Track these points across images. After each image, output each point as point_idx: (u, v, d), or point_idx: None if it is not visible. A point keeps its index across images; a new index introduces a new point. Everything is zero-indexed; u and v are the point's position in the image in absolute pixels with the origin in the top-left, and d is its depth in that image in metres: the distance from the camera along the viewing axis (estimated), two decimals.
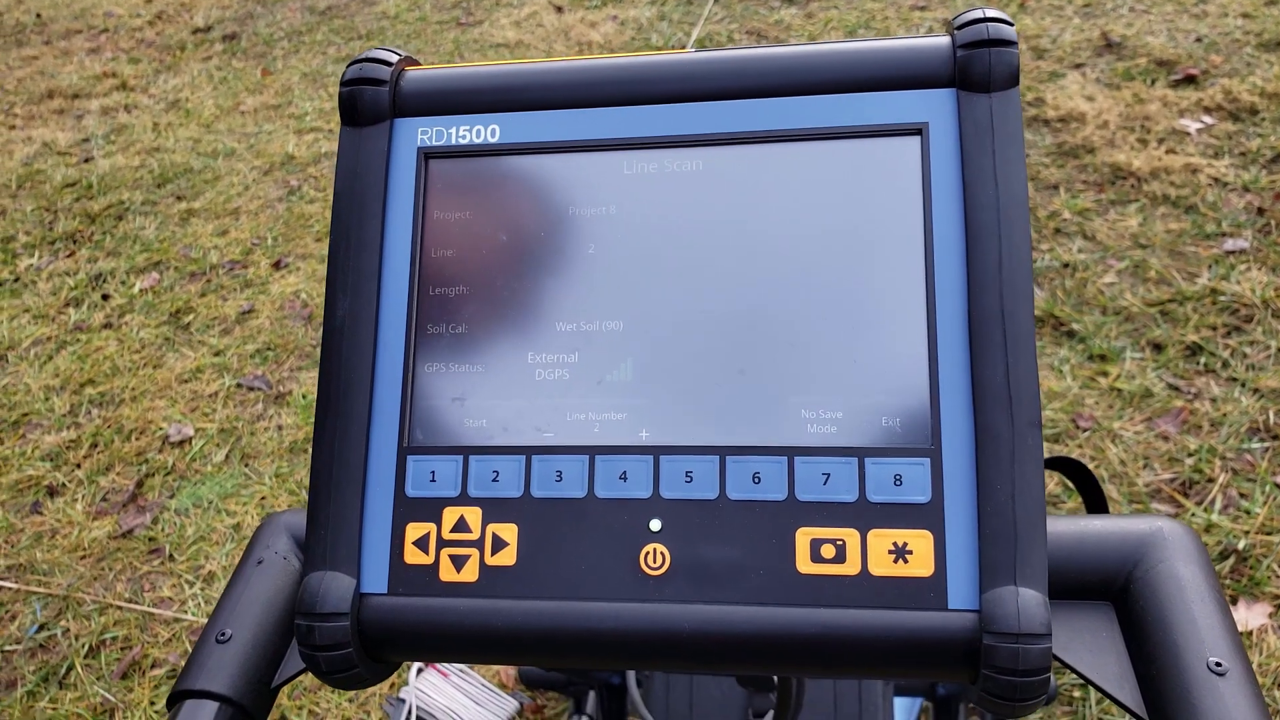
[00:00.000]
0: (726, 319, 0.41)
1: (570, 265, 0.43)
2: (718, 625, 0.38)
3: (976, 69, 0.40)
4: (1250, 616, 1.51)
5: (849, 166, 0.42)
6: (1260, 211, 2.21)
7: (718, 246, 0.42)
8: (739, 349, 0.41)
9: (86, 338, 2.50)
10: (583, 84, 0.44)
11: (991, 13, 0.41)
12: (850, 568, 0.38)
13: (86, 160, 3.35)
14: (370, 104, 0.45)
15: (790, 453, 0.39)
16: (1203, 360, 1.92)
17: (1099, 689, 0.40)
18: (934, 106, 0.41)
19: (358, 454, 0.42)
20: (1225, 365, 1.89)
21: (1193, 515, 1.64)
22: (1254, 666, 1.43)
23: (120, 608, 1.78)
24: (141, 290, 2.65)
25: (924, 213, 0.40)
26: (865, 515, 0.38)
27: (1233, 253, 2.13)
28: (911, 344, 0.40)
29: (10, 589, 1.86)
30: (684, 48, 3.35)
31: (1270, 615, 1.50)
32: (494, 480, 0.41)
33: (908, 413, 0.39)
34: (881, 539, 0.38)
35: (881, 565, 0.38)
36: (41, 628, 1.77)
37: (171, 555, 1.88)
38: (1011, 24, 0.41)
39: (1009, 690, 0.36)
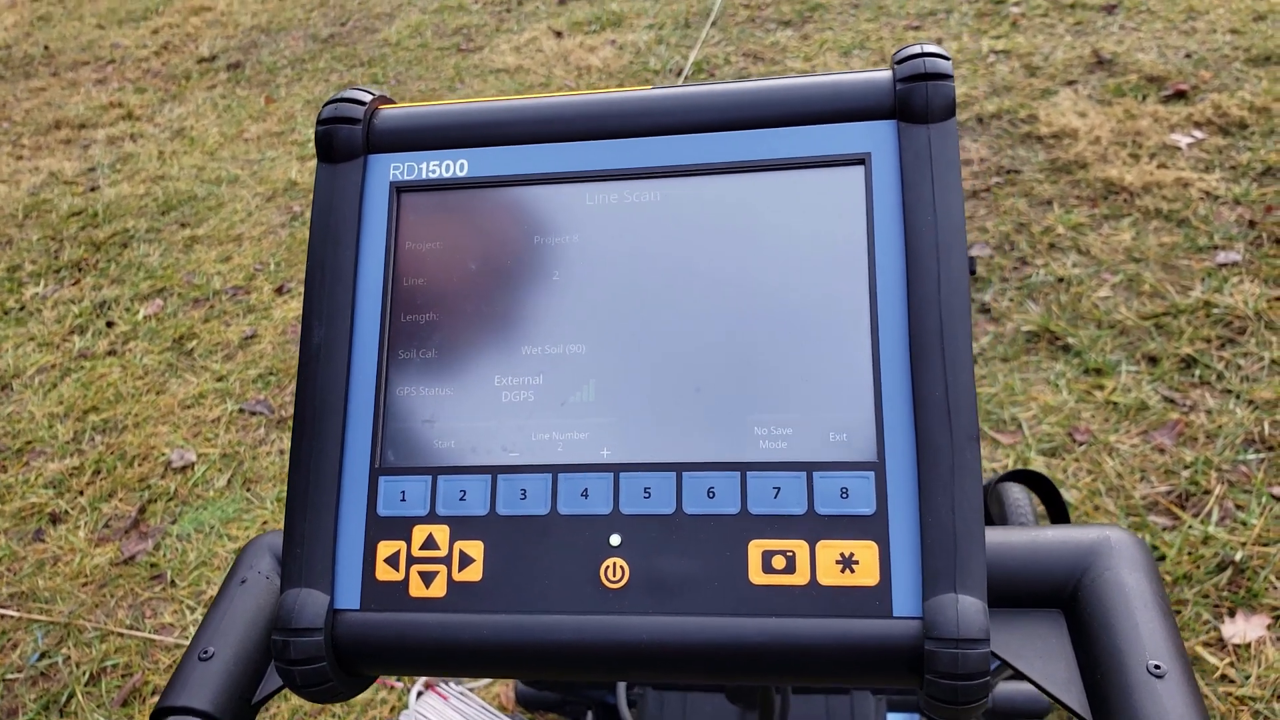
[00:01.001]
0: (684, 341, 0.43)
1: (535, 292, 0.45)
2: (674, 636, 0.40)
3: (915, 101, 0.42)
4: (1248, 628, 1.51)
5: (797, 195, 0.43)
6: (1251, 224, 2.23)
7: (675, 272, 0.44)
8: (695, 369, 0.43)
9: (90, 365, 2.53)
10: (547, 120, 0.46)
11: (930, 48, 0.43)
12: (800, 578, 0.40)
13: (92, 189, 3.40)
14: (345, 141, 0.47)
15: (743, 468, 0.41)
16: (1198, 372, 1.93)
17: (1046, 693, 0.41)
18: (876, 137, 0.43)
19: (331, 475, 0.44)
20: (1220, 377, 1.90)
21: (1189, 527, 1.65)
22: (1252, 679, 1.43)
23: (121, 634, 1.80)
24: (145, 317, 2.68)
25: (867, 238, 0.42)
26: (814, 527, 0.40)
27: (1225, 265, 2.14)
28: (857, 363, 0.41)
29: (12, 617, 1.87)
30: (680, 72, 3.39)
31: (1269, 627, 1.50)
32: (461, 499, 0.43)
33: (854, 428, 0.41)
34: (829, 550, 0.40)
35: (829, 575, 0.40)
36: (43, 655, 1.79)
37: (173, 581, 1.90)
38: (948, 58, 0.43)
39: (951, 694, 0.37)
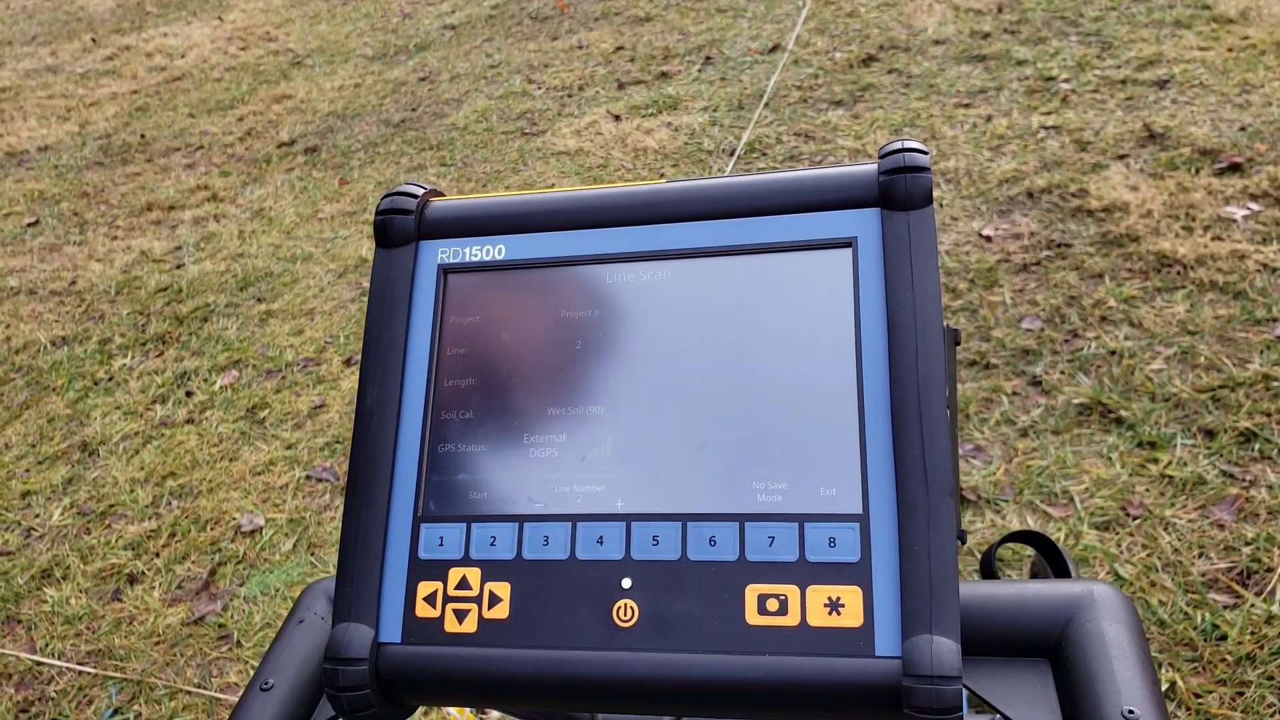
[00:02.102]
0: (691, 404, 0.48)
1: (561, 360, 0.51)
2: (678, 671, 0.44)
3: (896, 191, 0.48)
4: None
5: (793, 275, 0.49)
6: None
7: (685, 343, 0.49)
8: (701, 430, 0.48)
9: (170, 432, 2.66)
10: (573, 210, 0.53)
11: (910, 144, 0.48)
12: (791, 619, 0.44)
13: (178, 267, 3.59)
14: (399, 230, 0.54)
15: (741, 519, 0.46)
16: (1257, 446, 1.91)
17: None
18: (862, 223, 0.48)
19: (379, 521, 0.49)
20: None
21: (1252, 606, 1.62)
22: None
23: (189, 693, 1.87)
24: (222, 387, 2.82)
25: (854, 312, 0.47)
26: (805, 573, 0.44)
27: None
28: (844, 425, 0.46)
29: (89, 674, 1.96)
30: (733, 152, 3.49)
31: None
32: (492, 544, 0.48)
33: (841, 484, 0.45)
34: (818, 594, 0.44)
35: (818, 617, 0.44)
36: (116, 712, 1.86)
37: (239, 641, 1.97)
38: (926, 153, 0.48)
39: None
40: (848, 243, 0.48)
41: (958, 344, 0.50)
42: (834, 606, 0.44)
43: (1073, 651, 0.47)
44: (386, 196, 0.55)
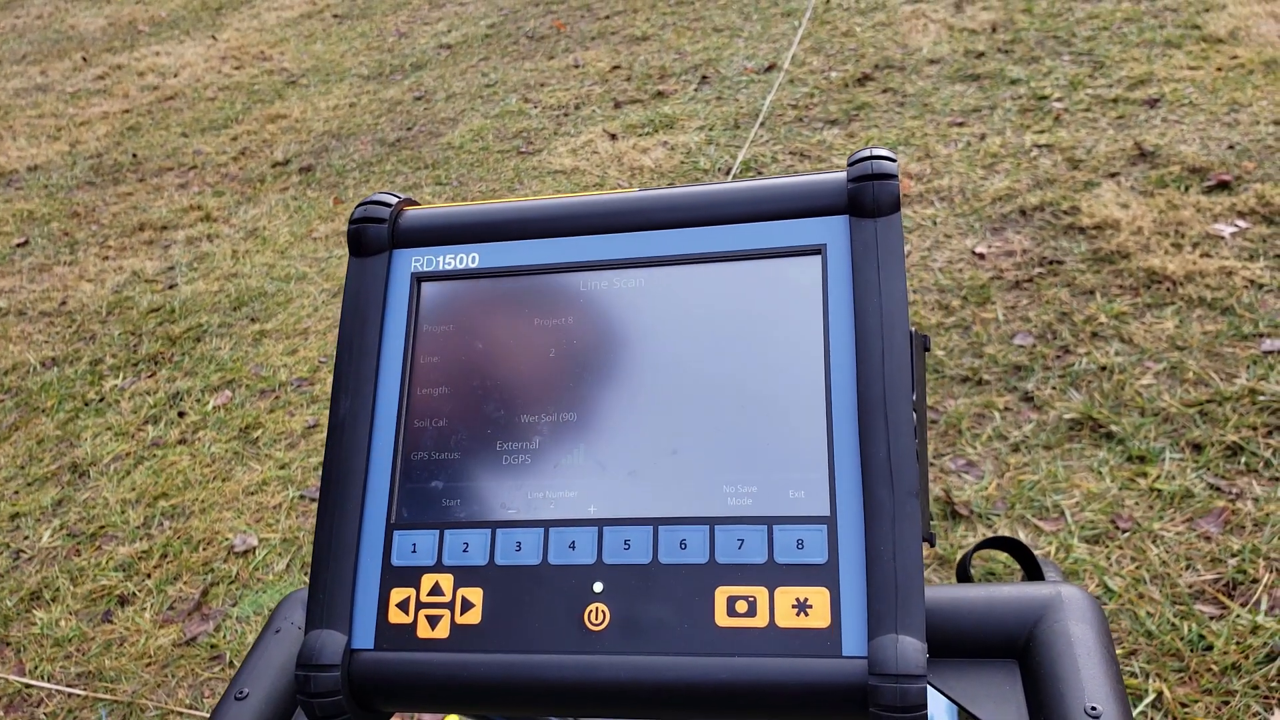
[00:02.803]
0: (662, 409, 0.49)
1: (534, 367, 0.51)
2: (648, 674, 0.45)
3: (864, 199, 0.48)
4: None
5: (763, 281, 0.49)
6: None
7: (656, 349, 0.50)
8: (673, 435, 0.48)
9: (162, 453, 2.66)
10: (547, 218, 0.53)
11: (878, 151, 0.49)
12: (760, 620, 0.44)
13: (171, 287, 3.60)
14: (373, 238, 0.54)
15: (712, 522, 0.46)
16: (1244, 460, 1.91)
17: None
18: (831, 230, 0.49)
19: (352, 529, 0.50)
20: (1267, 465, 1.88)
21: (1237, 617, 1.62)
22: None
23: (181, 714, 1.86)
24: (215, 407, 2.81)
25: (823, 318, 0.48)
26: (773, 575, 0.45)
27: (1271, 353, 2.13)
28: (813, 429, 0.46)
29: (80, 695, 1.95)
30: (729, 170, 3.51)
31: None
32: (464, 551, 0.48)
33: (809, 487, 0.46)
34: (786, 595, 0.44)
35: (786, 618, 0.44)
36: None
37: (231, 662, 1.96)
38: (894, 160, 0.49)
39: None
40: (817, 250, 0.49)
41: (927, 349, 0.51)
42: (802, 607, 0.44)
43: (1040, 652, 0.47)
44: (360, 205, 0.56)
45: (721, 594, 0.45)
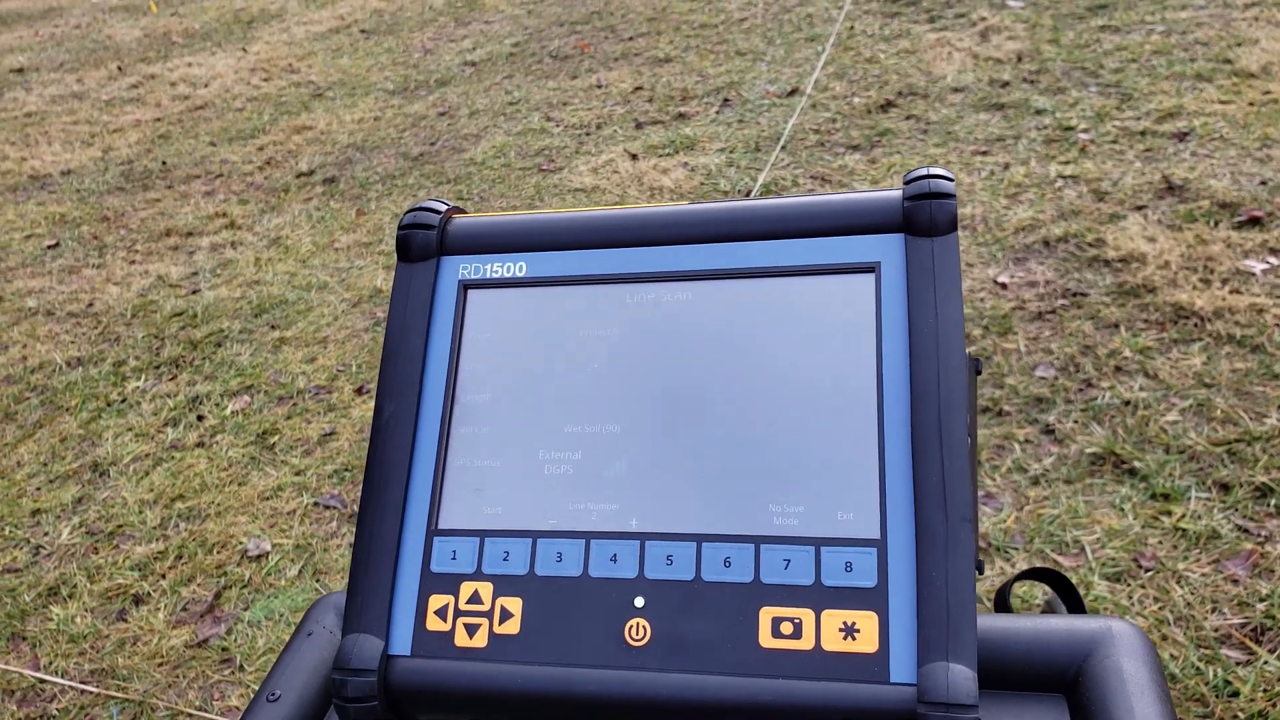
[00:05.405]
0: (709, 424, 0.48)
1: (579, 377, 0.51)
2: (689, 692, 0.44)
3: (920, 217, 0.48)
4: None
5: (815, 298, 0.49)
6: None
7: (704, 364, 0.49)
8: (718, 451, 0.48)
9: (180, 455, 2.66)
10: (596, 230, 0.53)
11: (935, 170, 0.49)
12: (805, 643, 0.43)
13: (194, 292, 3.62)
14: (421, 244, 0.54)
15: (757, 541, 0.45)
16: (1273, 502, 1.88)
17: None
18: (886, 248, 0.48)
19: (393, 534, 0.49)
20: None
21: (1265, 663, 1.60)
22: None
23: (190, 715, 1.85)
24: (233, 412, 2.82)
25: (876, 337, 0.47)
26: (820, 597, 0.44)
27: None
28: (864, 450, 0.46)
29: (91, 693, 1.94)
30: (749, 193, 3.51)
31: None
32: (504, 559, 0.48)
33: (859, 509, 0.45)
34: (833, 618, 0.44)
35: (833, 641, 0.43)
36: None
37: (242, 666, 1.95)
38: (951, 179, 0.48)
39: None
40: (871, 267, 0.48)
41: (979, 373, 0.50)
42: (849, 631, 0.43)
43: (1090, 688, 0.46)
44: (409, 212, 0.55)
45: (766, 614, 0.44)
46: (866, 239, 0.49)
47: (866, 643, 0.43)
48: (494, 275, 0.54)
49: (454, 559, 0.48)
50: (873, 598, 0.43)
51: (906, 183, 0.49)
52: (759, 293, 0.50)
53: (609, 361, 0.50)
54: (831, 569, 0.44)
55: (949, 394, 0.45)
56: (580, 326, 0.51)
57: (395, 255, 0.59)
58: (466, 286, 0.54)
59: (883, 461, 0.45)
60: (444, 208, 0.56)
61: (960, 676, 0.41)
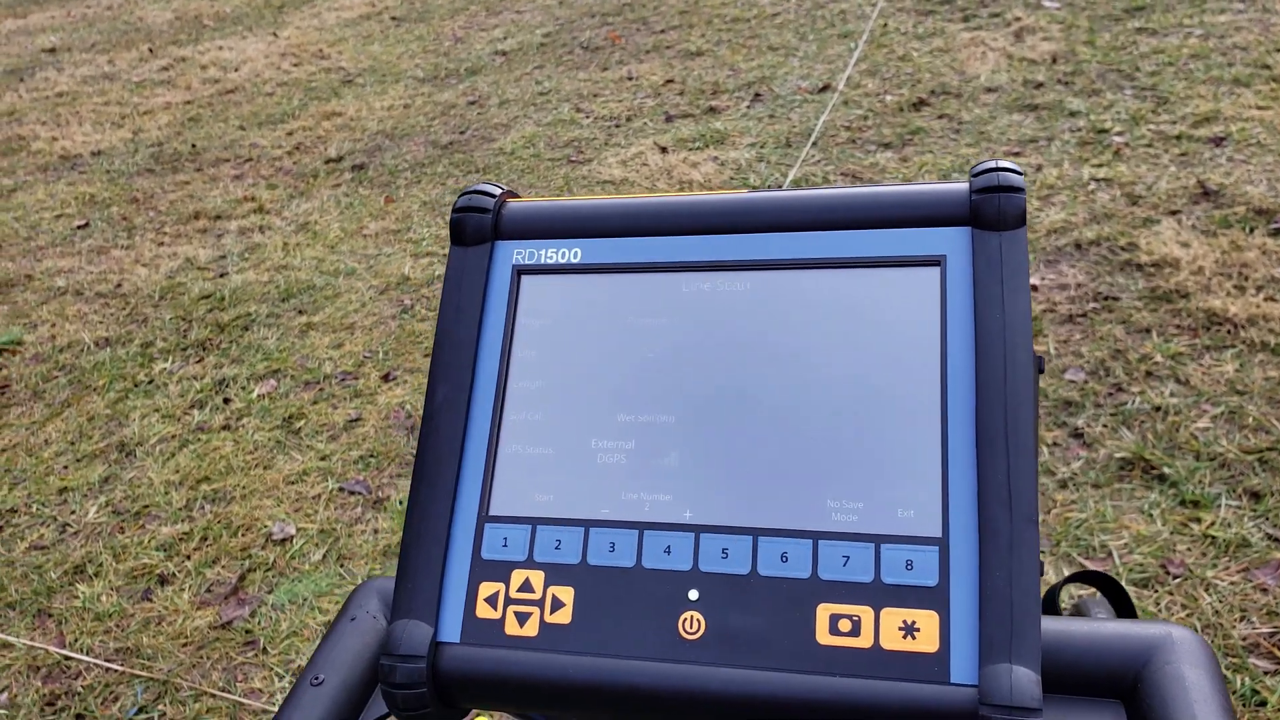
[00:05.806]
0: (766, 416, 0.47)
1: (633, 366, 0.50)
2: (744, 688, 0.43)
3: (988, 211, 0.47)
4: None
5: (878, 290, 0.48)
6: None
7: (761, 355, 0.49)
8: (775, 444, 0.47)
9: (206, 438, 2.68)
10: (652, 216, 0.52)
11: (1004, 164, 0.48)
12: (864, 641, 0.43)
13: (222, 275, 3.64)
14: (475, 228, 0.54)
15: (815, 536, 0.45)
16: None
17: None
18: (952, 242, 0.48)
19: (443, 519, 0.49)
20: None
21: None
22: None
23: (214, 695, 1.86)
24: (260, 396, 2.84)
25: (941, 332, 0.46)
26: (879, 595, 0.43)
27: None
28: (927, 446, 0.45)
29: (116, 670, 1.96)
30: (779, 187, 3.49)
31: None
32: (556, 548, 0.47)
33: (920, 506, 0.44)
34: (893, 617, 0.43)
35: (892, 640, 0.43)
36: (140, 710, 1.86)
37: (265, 648, 1.96)
38: (1020, 173, 0.47)
39: None
40: (936, 261, 0.48)
41: (1041, 371, 0.49)
42: (909, 630, 0.43)
43: (1150, 694, 0.45)
44: (464, 194, 0.55)
45: (824, 611, 0.44)
46: (932, 231, 0.48)
47: (927, 642, 0.42)
48: (548, 261, 0.53)
49: (505, 546, 0.48)
50: (934, 597, 0.43)
51: (974, 175, 0.48)
52: (819, 284, 0.49)
53: (663, 351, 0.50)
54: (891, 566, 0.44)
55: (1016, 392, 0.44)
56: (635, 314, 0.51)
57: (449, 238, 0.59)
58: (520, 272, 0.53)
59: (945, 459, 0.44)
60: (498, 191, 0.55)
61: (1024, 679, 0.40)
